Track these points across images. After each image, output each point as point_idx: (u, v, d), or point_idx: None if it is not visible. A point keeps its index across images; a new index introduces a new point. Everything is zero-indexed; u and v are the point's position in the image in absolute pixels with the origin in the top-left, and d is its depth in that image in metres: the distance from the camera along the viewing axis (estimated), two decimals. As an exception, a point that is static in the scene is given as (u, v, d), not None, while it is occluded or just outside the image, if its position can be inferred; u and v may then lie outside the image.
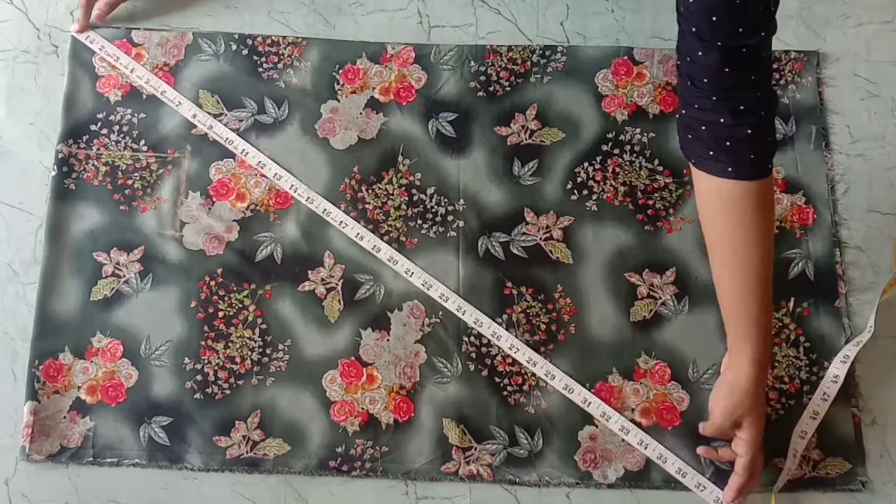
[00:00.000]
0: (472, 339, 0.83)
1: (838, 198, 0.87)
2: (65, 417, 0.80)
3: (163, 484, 0.79)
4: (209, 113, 0.89)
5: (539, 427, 0.80)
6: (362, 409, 0.81)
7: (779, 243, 0.85)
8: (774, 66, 0.91)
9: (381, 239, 0.85)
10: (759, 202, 0.66)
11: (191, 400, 0.81)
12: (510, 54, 0.92)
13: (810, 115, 0.89)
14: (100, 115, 0.89)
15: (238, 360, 0.82)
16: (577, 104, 0.90)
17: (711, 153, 0.65)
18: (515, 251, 0.85)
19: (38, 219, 0.86)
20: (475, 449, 0.80)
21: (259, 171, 0.87)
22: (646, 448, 0.79)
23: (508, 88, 0.91)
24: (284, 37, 0.93)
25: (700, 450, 0.78)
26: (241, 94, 0.91)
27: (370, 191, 0.87)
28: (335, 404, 0.81)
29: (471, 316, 0.82)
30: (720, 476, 0.78)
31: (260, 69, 0.92)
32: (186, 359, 0.82)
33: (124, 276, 0.84)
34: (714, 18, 0.58)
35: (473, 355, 0.82)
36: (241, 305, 0.84)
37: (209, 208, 0.87)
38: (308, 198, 0.85)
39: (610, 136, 0.89)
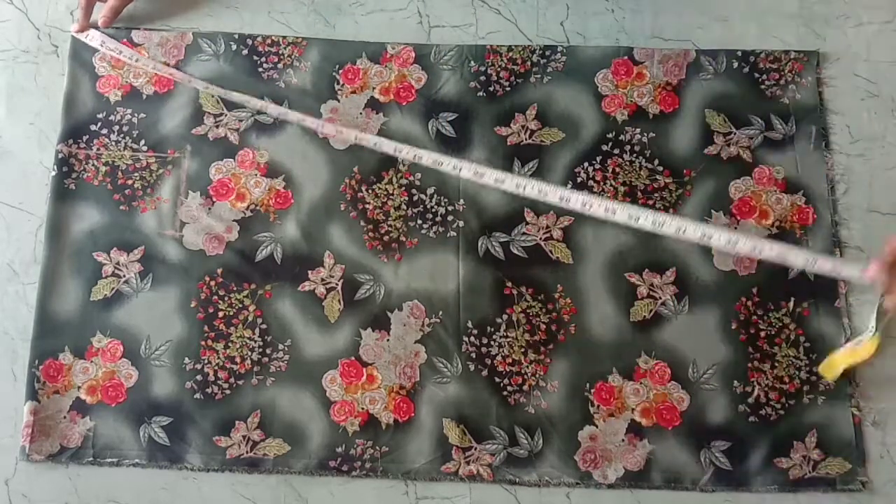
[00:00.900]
0: (472, 339, 0.83)
1: (838, 198, 0.87)
2: (65, 417, 0.80)
3: (163, 484, 0.79)
4: (210, 113, 0.89)
5: (539, 427, 0.80)
6: (362, 409, 0.81)
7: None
8: (774, 66, 0.91)
9: (381, 239, 0.85)
10: None
11: (191, 400, 0.81)
12: (510, 54, 0.92)
13: (810, 114, 0.89)
14: (100, 115, 0.89)
15: (238, 360, 0.82)
16: (577, 104, 0.90)
17: None
18: (515, 251, 0.85)
19: (38, 219, 0.86)
20: (475, 449, 0.80)
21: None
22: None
23: (508, 88, 0.91)
24: (284, 37, 0.93)
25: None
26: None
27: (370, 191, 0.87)
28: (335, 404, 0.81)
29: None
30: (720, 476, 0.79)
31: (260, 69, 0.92)
32: (186, 359, 0.82)
33: (124, 276, 0.84)
34: None
35: (473, 355, 0.82)
36: (241, 305, 0.84)
37: (209, 208, 0.87)
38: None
39: (610, 136, 0.89)
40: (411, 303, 0.84)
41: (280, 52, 0.92)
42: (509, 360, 0.82)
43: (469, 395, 0.81)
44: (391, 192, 0.87)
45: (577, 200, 0.80)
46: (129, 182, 0.87)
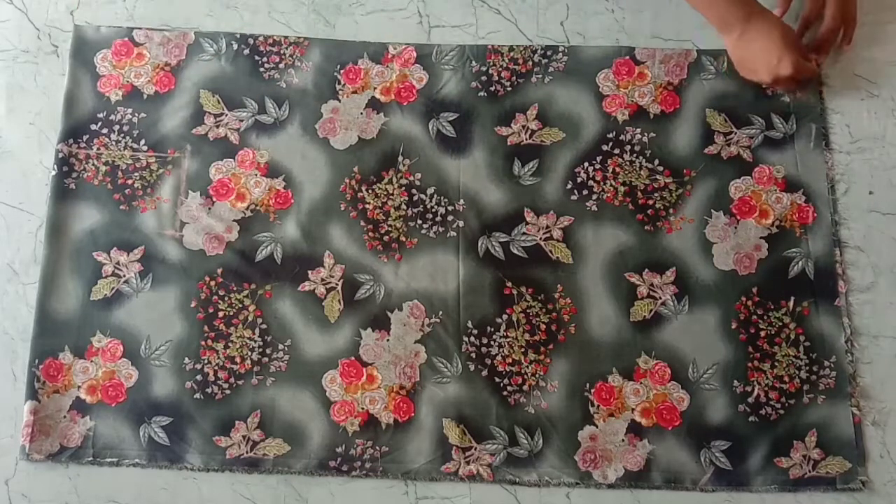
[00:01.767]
0: (472, 339, 0.83)
1: (838, 197, 0.87)
2: (65, 417, 0.80)
3: (163, 484, 0.79)
4: (210, 113, 0.89)
5: (539, 427, 0.80)
6: (362, 409, 0.81)
7: (779, 243, 0.85)
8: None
9: (381, 239, 0.85)
10: None
11: (191, 400, 0.81)
12: (511, 54, 0.92)
13: (810, 114, 0.89)
14: (100, 115, 0.89)
15: (238, 360, 0.82)
16: (577, 104, 0.90)
17: None
18: (515, 251, 0.85)
19: (38, 219, 0.86)
20: (475, 449, 0.80)
21: None
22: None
23: (509, 88, 0.91)
24: (286, 37, 0.93)
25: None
26: (241, 93, 0.91)
27: (370, 191, 0.87)
28: (335, 404, 0.81)
29: None
30: (720, 476, 0.79)
31: (261, 69, 0.92)
32: (186, 359, 0.82)
33: (124, 275, 0.84)
34: None
35: (473, 355, 0.82)
36: (241, 305, 0.84)
37: (209, 208, 0.87)
38: None
39: (610, 136, 0.89)
40: (411, 303, 0.84)
41: (282, 51, 0.92)
42: (509, 360, 0.82)
43: (469, 395, 0.81)
44: (391, 192, 0.87)
45: None
46: (130, 182, 0.87)
